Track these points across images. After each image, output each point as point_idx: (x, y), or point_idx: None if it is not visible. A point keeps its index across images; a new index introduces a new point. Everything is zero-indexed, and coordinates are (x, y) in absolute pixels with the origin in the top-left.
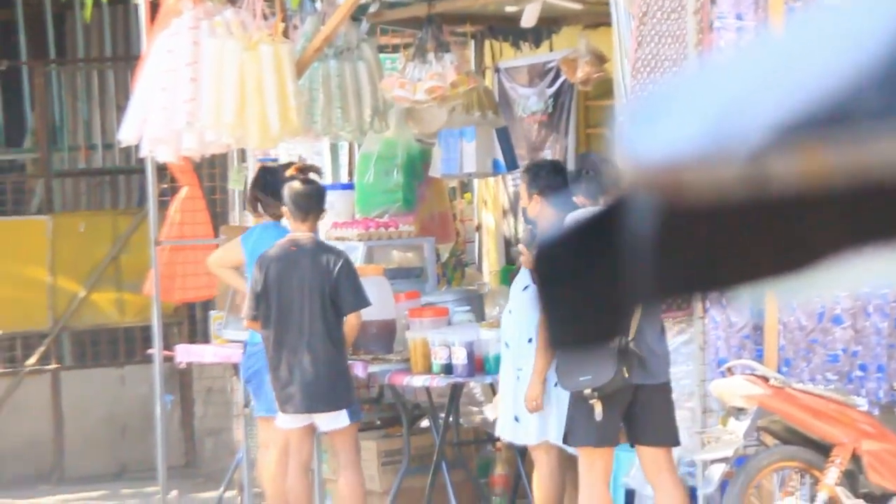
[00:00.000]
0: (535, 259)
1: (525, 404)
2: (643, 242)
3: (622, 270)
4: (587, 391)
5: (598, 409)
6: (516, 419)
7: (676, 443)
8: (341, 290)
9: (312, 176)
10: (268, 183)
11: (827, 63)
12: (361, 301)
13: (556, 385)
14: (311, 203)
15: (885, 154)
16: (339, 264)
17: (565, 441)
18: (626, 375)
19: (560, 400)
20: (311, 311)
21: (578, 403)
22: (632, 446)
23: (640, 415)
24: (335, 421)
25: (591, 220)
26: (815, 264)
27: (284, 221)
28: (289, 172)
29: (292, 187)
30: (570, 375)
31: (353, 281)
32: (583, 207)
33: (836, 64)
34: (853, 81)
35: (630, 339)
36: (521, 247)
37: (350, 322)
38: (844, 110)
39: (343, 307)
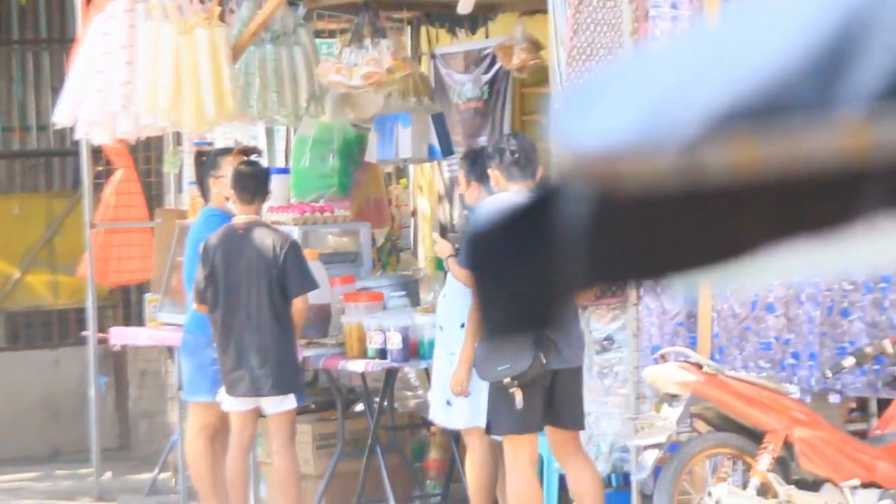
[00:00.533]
0: (468, 246)
1: (451, 388)
2: (577, 231)
3: (555, 258)
4: (506, 380)
5: (519, 396)
6: (448, 403)
7: (581, 426)
8: (288, 273)
9: (255, 158)
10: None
11: (760, 54)
12: (309, 284)
13: None
14: (257, 185)
15: (817, 145)
16: (286, 247)
17: (488, 431)
18: (545, 361)
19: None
20: (259, 294)
21: (498, 393)
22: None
23: (556, 399)
24: (281, 405)
25: (525, 207)
26: (747, 254)
27: (230, 205)
28: (231, 157)
29: (236, 170)
30: (488, 365)
31: (300, 264)
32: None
33: (769, 55)
34: (785, 73)
35: None
36: (435, 235)
37: (297, 306)
38: (777, 101)
39: (290, 290)
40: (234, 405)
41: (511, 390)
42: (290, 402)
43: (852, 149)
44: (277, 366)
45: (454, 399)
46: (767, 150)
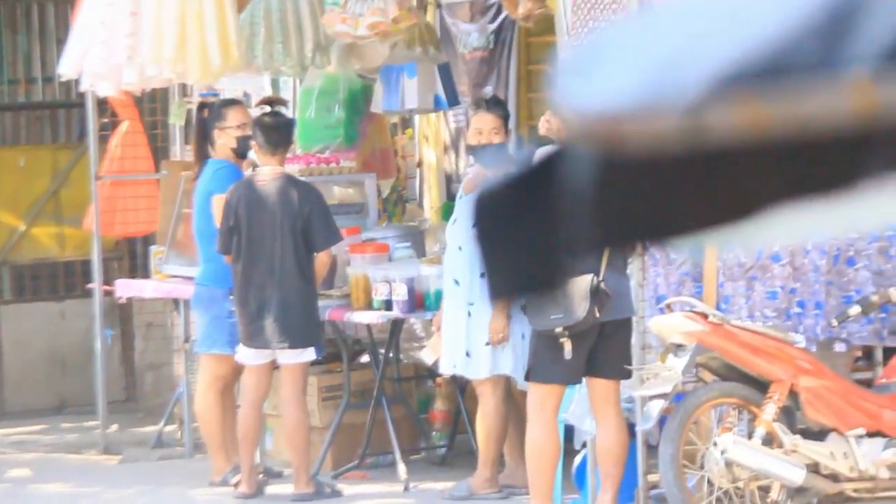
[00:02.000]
0: (473, 210)
1: (490, 336)
2: (582, 193)
3: (561, 221)
4: (558, 329)
5: (568, 347)
6: (468, 354)
7: (629, 376)
8: (314, 225)
9: (279, 108)
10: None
11: (764, 15)
12: (334, 237)
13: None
14: (281, 136)
15: (823, 106)
16: (311, 199)
17: (527, 377)
18: (598, 315)
19: (513, 333)
20: (283, 246)
21: (545, 341)
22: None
23: (601, 349)
24: (300, 356)
25: (529, 169)
26: (752, 215)
27: (252, 155)
28: (256, 105)
29: (260, 121)
30: (540, 313)
31: (325, 216)
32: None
33: (774, 16)
34: (791, 33)
35: (601, 278)
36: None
37: (322, 259)
38: (782, 62)
39: (316, 243)
40: (251, 358)
41: (561, 340)
42: (308, 354)
43: (858, 109)
44: (300, 318)
45: (475, 349)
46: (773, 111)
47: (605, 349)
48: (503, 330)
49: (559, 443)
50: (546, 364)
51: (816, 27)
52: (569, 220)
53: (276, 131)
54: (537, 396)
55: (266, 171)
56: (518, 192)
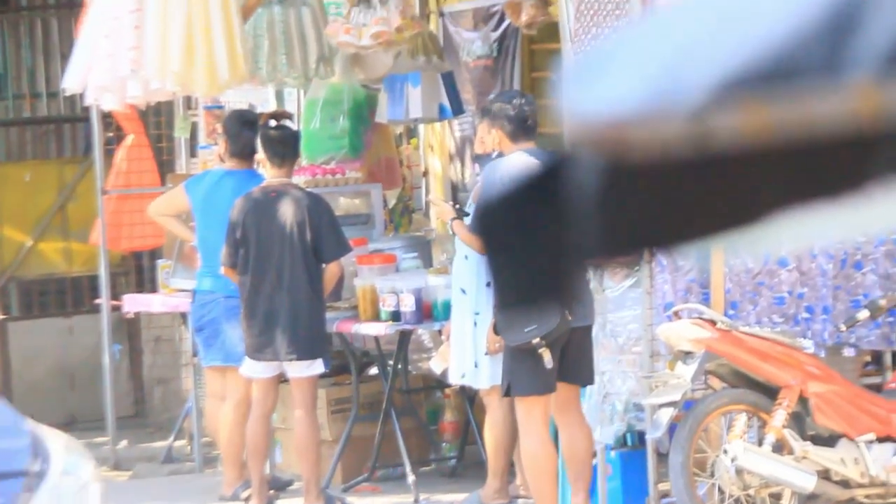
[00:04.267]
0: (478, 218)
1: (487, 346)
2: (588, 200)
3: (567, 228)
4: (535, 340)
5: (548, 356)
6: (476, 365)
7: (592, 381)
8: (323, 236)
9: (284, 122)
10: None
11: (767, 19)
12: (344, 248)
13: None
14: (287, 148)
15: (827, 109)
16: (320, 210)
17: (507, 393)
18: (570, 318)
19: None
20: (292, 258)
21: (519, 354)
22: None
23: (570, 356)
24: (308, 369)
25: (535, 176)
26: (759, 221)
27: (259, 168)
28: (261, 119)
29: (267, 133)
30: (513, 329)
31: (334, 228)
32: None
33: (777, 20)
34: (794, 36)
35: None
36: (432, 197)
37: (331, 270)
38: (786, 65)
39: (325, 254)
40: (258, 371)
41: (540, 350)
42: (317, 366)
43: (862, 112)
44: (309, 330)
45: (482, 359)
46: (777, 115)
47: (569, 355)
48: (500, 339)
49: (555, 451)
50: (525, 377)
51: (819, 30)
52: (575, 227)
53: (283, 144)
54: (523, 410)
55: (273, 184)
56: (524, 200)
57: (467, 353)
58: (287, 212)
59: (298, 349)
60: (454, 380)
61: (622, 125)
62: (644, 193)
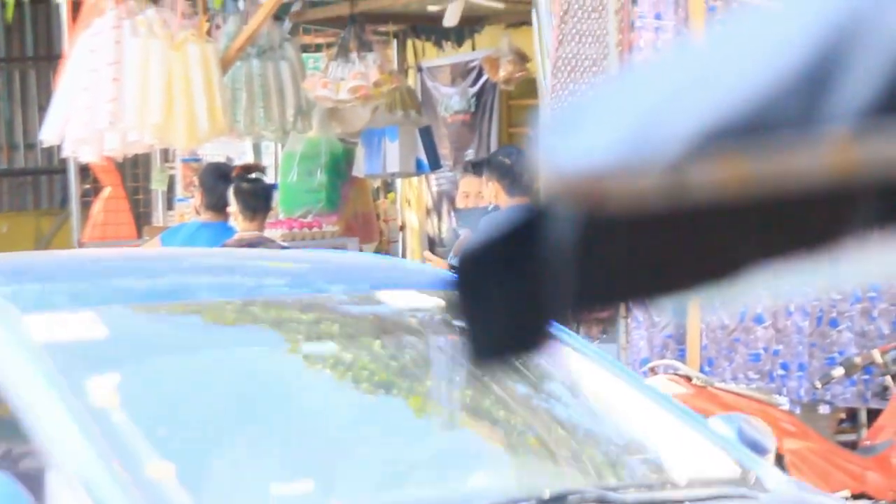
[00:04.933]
0: (456, 272)
1: None
2: (564, 252)
3: (543, 281)
4: None
5: None
6: None
7: None
8: None
9: (257, 175)
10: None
11: (744, 72)
12: None
13: None
14: (259, 201)
15: (804, 162)
16: None
17: None
18: None
19: None
20: None
21: None
22: None
23: None
24: None
25: (511, 229)
26: (736, 274)
27: (232, 221)
28: (234, 172)
29: (240, 186)
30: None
31: None
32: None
33: (754, 72)
34: (771, 89)
35: None
36: (426, 253)
37: None
38: (763, 118)
39: None
40: None
41: None
42: None
43: (840, 166)
44: None
45: None
46: (754, 168)
47: None
48: None
49: None
50: None
51: (796, 84)
52: (551, 280)
53: (254, 197)
54: None
55: (246, 237)
56: (500, 252)
57: None
58: None
59: None
60: None
61: (599, 177)
62: (620, 246)
